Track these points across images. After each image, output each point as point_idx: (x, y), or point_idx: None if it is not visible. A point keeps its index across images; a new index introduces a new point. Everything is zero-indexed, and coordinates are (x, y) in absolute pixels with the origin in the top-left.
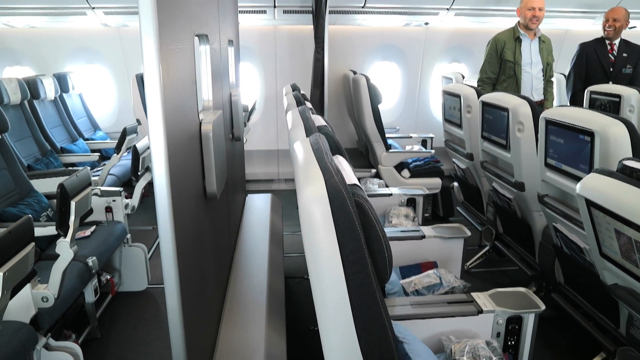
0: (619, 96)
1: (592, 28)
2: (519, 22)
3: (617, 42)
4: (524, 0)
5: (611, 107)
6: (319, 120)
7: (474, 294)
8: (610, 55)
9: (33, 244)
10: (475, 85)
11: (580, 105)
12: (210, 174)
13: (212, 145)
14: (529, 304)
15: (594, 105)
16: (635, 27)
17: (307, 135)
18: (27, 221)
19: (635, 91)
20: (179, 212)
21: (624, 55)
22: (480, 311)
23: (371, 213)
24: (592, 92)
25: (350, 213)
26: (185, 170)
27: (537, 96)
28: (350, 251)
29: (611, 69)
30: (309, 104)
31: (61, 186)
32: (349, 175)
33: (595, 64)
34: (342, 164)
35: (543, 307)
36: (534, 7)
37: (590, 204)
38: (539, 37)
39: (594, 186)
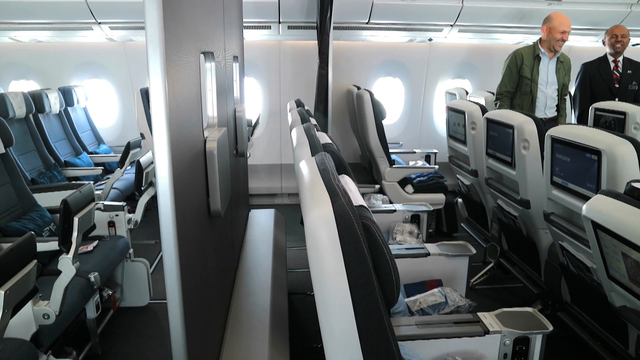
0: (624, 113)
1: (594, 45)
2: (540, 39)
3: (620, 59)
4: (557, 22)
5: (616, 124)
6: (324, 138)
7: (480, 314)
8: (615, 72)
9: (35, 261)
10: (480, 101)
11: (587, 124)
12: (214, 192)
13: (216, 163)
14: (536, 324)
15: (598, 122)
16: (638, 44)
17: (313, 154)
18: (30, 238)
19: None
20: (183, 230)
21: (629, 72)
22: (487, 332)
23: (378, 235)
24: (596, 109)
25: (357, 236)
26: (190, 188)
27: (550, 114)
28: (358, 274)
29: (617, 86)
30: (313, 121)
31: (64, 202)
32: (356, 196)
33: (600, 83)
34: (348, 184)
35: (551, 327)
36: (566, 31)
37: (596, 226)
38: (558, 57)
39: (601, 208)
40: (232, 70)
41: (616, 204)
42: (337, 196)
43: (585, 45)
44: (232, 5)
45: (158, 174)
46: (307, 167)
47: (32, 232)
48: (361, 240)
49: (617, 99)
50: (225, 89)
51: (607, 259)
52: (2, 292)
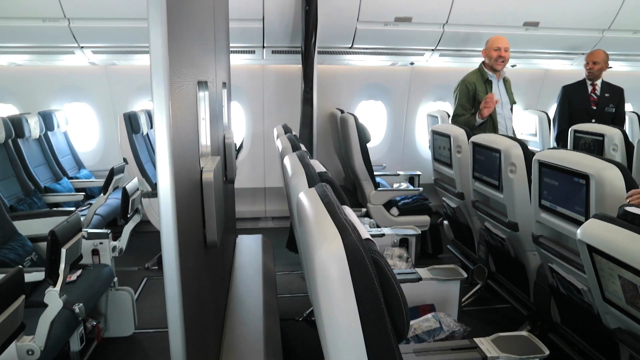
0: (602, 135)
1: (570, 68)
2: (484, 63)
3: (599, 82)
4: (490, 41)
5: (595, 146)
6: (317, 166)
7: (477, 340)
8: (592, 94)
9: (23, 296)
10: None
11: (566, 143)
12: (211, 223)
13: (213, 194)
14: (532, 348)
15: (578, 144)
16: (611, 67)
17: (310, 184)
18: (18, 273)
19: (617, 130)
20: (184, 262)
21: (606, 95)
22: (484, 358)
23: (388, 270)
24: (576, 131)
25: (369, 272)
26: (188, 219)
27: (510, 134)
28: (369, 310)
29: (594, 108)
30: (303, 147)
31: (52, 233)
32: (361, 229)
33: (578, 105)
34: (351, 216)
35: (547, 351)
36: (499, 47)
37: (592, 249)
38: (503, 78)
39: (596, 232)
40: (222, 96)
41: (611, 228)
42: (347, 231)
43: (561, 68)
44: (222, 32)
45: (162, 206)
46: (309, 200)
47: (20, 267)
48: (372, 276)
49: (593, 121)
50: (216, 116)
51: (602, 281)
52: None
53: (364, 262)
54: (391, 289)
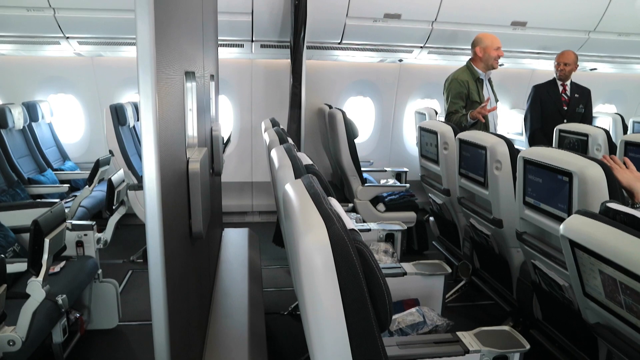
0: (586, 135)
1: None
2: (473, 61)
3: (568, 83)
4: (490, 40)
5: (579, 145)
6: (304, 159)
7: (459, 333)
8: (563, 95)
9: (5, 286)
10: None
11: (539, 143)
12: (196, 213)
13: (199, 184)
14: (513, 343)
15: (562, 143)
16: (596, 69)
17: (296, 176)
18: (0, 263)
19: (601, 131)
20: (169, 253)
21: (576, 95)
22: (466, 351)
23: (372, 260)
24: (561, 131)
25: (353, 261)
26: (174, 209)
27: (500, 131)
28: (353, 299)
29: (565, 108)
30: (291, 140)
31: (35, 223)
32: (346, 219)
33: (550, 105)
34: (336, 207)
35: (528, 346)
36: (499, 46)
37: (574, 244)
38: (489, 78)
39: (578, 227)
40: (209, 89)
41: (593, 223)
42: (332, 221)
43: (548, 68)
44: (210, 24)
45: (147, 196)
46: (295, 191)
47: (2, 256)
48: (357, 265)
49: (565, 121)
50: (203, 108)
51: (583, 276)
52: None
53: (348, 251)
54: (375, 279)
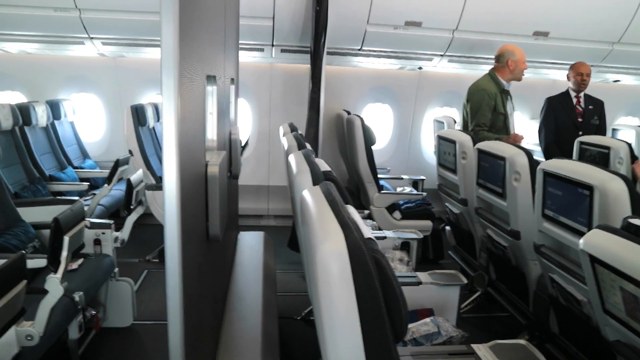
0: (608, 148)
1: None
2: (499, 72)
3: (582, 95)
4: (520, 53)
5: (600, 158)
6: (322, 165)
7: (474, 346)
8: (577, 106)
9: (25, 281)
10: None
11: (554, 156)
12: (214, 216)
13: (217, 188)
14: (529, 357)
15: (583, 155)
16: (619, 80)
17: (314, 182)
18: (20, 258)
19: (624, 144)
20: (186, 255)
21: (590, 107)
22: None
23: (388, 269)
24: (582, 143)
25: (370, 271)
26: (192, 212)
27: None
28: (369, 309)
29: (580, 120)
30: (309, 146)
31: (55, 220)
32: (364, 228)
33: (564, 117)
34: (354, 215)
35: None
36: (525, 60)
37: (594, 260)
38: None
39: (598, 243)
40: (229, 92)
41: (614, 239)
42: (350, 229)
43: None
44: (232, 28)
45: (166, 198)
46: (313, 197)
47: (23, 252)
48: (373, 275)
49: (580, 133)
50: (223, 111)
51: (603, 293)
52: None
53: (365, 260)
54: (391, 289)
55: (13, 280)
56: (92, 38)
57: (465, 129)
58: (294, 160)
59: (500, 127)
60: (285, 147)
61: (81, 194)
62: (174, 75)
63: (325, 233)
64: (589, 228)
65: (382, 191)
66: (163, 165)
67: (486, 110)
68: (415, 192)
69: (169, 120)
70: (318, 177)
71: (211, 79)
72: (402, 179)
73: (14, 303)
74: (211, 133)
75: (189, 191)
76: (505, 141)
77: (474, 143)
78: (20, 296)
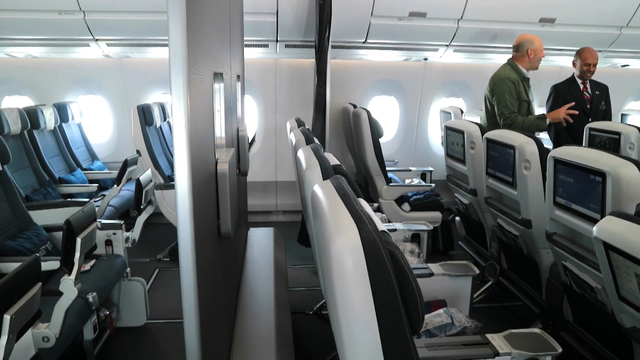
0: (618, 133)
1: None
2: (518, 60)
3: (587, 81)
4: (538, 42)
5: (611, 144)
6: (332, 159)
7: (489, 336)
8: (585, 93)
9: (40, 284)
10: (476, 120)
11: (565, 143)
12: (225, 214)
13: (227, 185)
14: (544, 345)
15: (593, 142)
16: (628, 65)
17: (324, 177)
18: (35, 261)
19: (634, 129)
20: (199, 253)
21: (597, 92)
22: (496, 354)
23: (404, 262)
24: (591, 129)
25: (385, 264)
26: (204, 209)
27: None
28: (385, 302)
29: (588, 106)
30: (317, 141)
31: (67, 222)
32: (377, 221)
33: (574, 105)
34: (366, 208)
35: (560, 349)
36: (542, 49)
37: (608, 247)
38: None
39: (612, 229)
40: (236, 89)
41: (628, 225)
42: (363, 223)
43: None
44: (236, 25)
45: (178, 197)
46: (324, 192)
47: (37, 255)
48: (389, 268)
49: (590, 119)
50: (230, 108)
51: (618, 279)
52: (8, 317)
53: (380, 254)
54: (407, 282)
55: (28, 283)
56: (97, 40)
57: (489, 120)
58: (303, 155)
59: (525, 115)
60: (294, 143)
61: (91, 195)
62: (183, 74)
63: (339, 227)
64: (602, 215)
65: (391, 184)
66: (174, 164)
67: (513, 98)
68: (423, 183)
69: (179, 119)
70: (328, 172)
71: (218, 76)
72: (410, 170)
73: (30, 306)
74: (219, 130)
75: (200, 189)
76: (553, 115)
77: (482, 132)
78: (36, 299)
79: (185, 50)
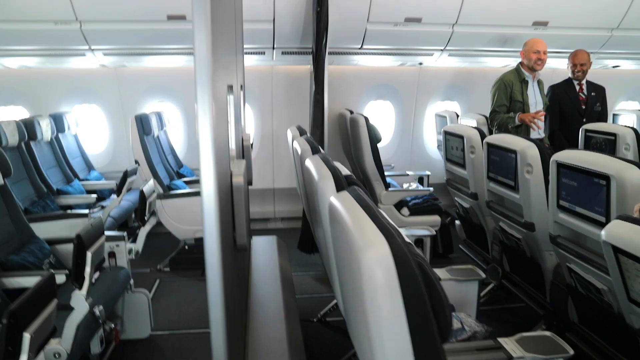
0: (614, 134)
1: None
2: (521, 63)
3: (584, 82)
4: (529, 44)
5: (607, 145)
6: (342, 169)
7: (501, 340)
8: (580, 94)
9: (56, 300)
10: (471, 123)
11: (559, 143)
12: (241, 226)
13: (243, 197)
14: (557, 348)
15: (589, 143)
16: (619, 66)
17: (338, 188)
18: (50, 278)
19: (630, 130)
20: (224, 266)
21: (593, 94)
22: (510, 358)
23: (432, 274)
24: (587, 131)
25: (415, 276)
26: (223, 222)
27: (541, 135)
28: (416, 313)
29: (584, 107)
30: (322, 150)
31: (78, 237)
32: (402, 233)
33: (568, 104)
34: (390, 220)
35: (571, 351)
36: (539, 50)
37: (617, 250)
38: (538, 79)
39: (621, 233)
40: (240, 99)
41: (636, 229)
42: (392, 236)
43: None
44: (239, 34)
45: (205, 209)
46: (344, 204)
47: (52, 271)
48: (419, 280)
49: (584, 120)
50: (237, 119)
51: (628, 282)
52: (28, 336)
53: (410, 266)
54: (435, 292)
55: (45, 299)
56: (93, 49)
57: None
58: (313, 165)
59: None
60: (299, 152)
61: (89, 206)
62: (208, 87)
63: (367, 240)
64: (607, 218)
65: (390, 189)
66: (201, 177)
67: (502, 97)
68: (421, 187)
69: (204, 132)
70: (341, 183)
71: (230, 88)
72: (408, 175)
73: (48, 323)
74: (232, 142)
75: (221, 202)
76: (522, 117)
77: (482, 137)
78: (52, 315)
79: (210, 63)
